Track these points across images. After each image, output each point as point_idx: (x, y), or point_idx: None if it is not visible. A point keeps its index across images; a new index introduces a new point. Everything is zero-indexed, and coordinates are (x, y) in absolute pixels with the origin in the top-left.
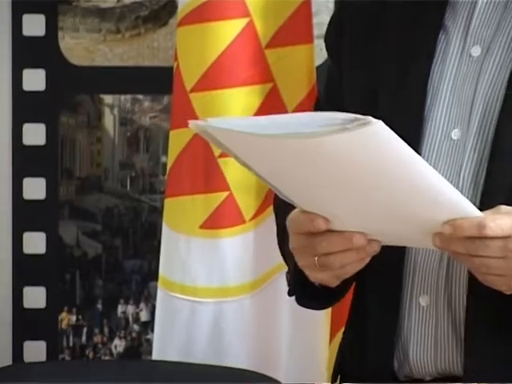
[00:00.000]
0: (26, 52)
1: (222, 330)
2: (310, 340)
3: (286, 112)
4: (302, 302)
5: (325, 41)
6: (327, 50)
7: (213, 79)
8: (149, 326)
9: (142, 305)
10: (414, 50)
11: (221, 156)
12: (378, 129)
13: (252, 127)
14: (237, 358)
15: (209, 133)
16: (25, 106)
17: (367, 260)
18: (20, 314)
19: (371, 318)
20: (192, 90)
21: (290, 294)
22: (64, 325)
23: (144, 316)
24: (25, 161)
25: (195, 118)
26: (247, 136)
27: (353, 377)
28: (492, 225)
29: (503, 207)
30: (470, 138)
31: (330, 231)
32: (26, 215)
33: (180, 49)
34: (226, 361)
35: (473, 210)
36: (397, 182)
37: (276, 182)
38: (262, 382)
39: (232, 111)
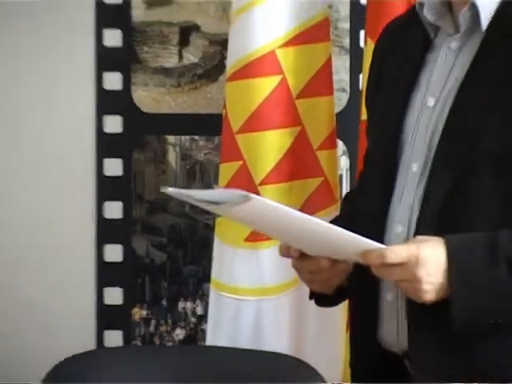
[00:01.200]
0: (106, 102)
1: (260, 322)
2: (331, 329)
3: (311, 149)
4: (318, 303)
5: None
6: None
7: (254, 123)
8: (203, 318)
9: (197, 302)
10: (394, 101)
11: (261, 184)
12: (255, 202)
13: (201, 195)
14: (272, 343)
15: (178, 197)
16: (106, 145)
17: (345, 274)
18: (101, 309)
19: (358, 310)
20: (237, 132)
21: (310, 298)
22: (136, 318)
23: (199, 310)
24: (106, 188)
25: (240, 154)
26: (201, 202)
27: (355, 352)
28: (390, 254)
29: (419, 237)
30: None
31: (309, 257)
32: (106, 231)
33: (228, 99)
34: (264, 346)
35: (372, 243)
36: (302, 231)
37: (248, 226)
38: (293, 364)
39: (269, 148)
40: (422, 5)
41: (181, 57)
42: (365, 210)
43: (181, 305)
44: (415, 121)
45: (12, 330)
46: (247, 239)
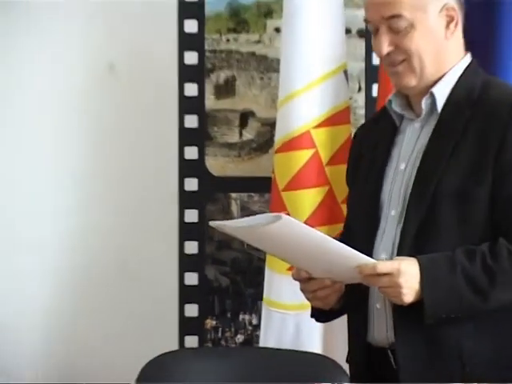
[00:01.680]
0: (186, 168)
1: (300, 330)
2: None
3: (337, 202)
4: (317, 320)
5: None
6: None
7: (294, 184)
8: (257, 327)
9: (253, 315)
10: (373, 173)
11: None
12: (286, 220)
13: (240, 223)
14: (308, 345)
15: (222, 228)
16: (186, 199)
17: (339, 293)
18: (183, 320)
19: (352, 318)
20: (282, 190)
21: (311, 316)
22: (208, 326)
23: (254, 321)
24: (186, 231)
25: (284, 206)
26: (239, 228)
27: (352, 351)
28: (380, 266)
29: (398, 257)
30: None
31: (314, 279)
32: (186, 262)
33: (275, 166)
34: (301, 347)
35: (368, 259)
36: (315, 248)
37: (271, 252)
38: (322, 361)
39: (306, 202)
40: (390, 102)
41: (241, 135)
42: (355, 246)
43: (241, 317)
44: (391, 181)
45: (114, 337)
46: (289, 269)
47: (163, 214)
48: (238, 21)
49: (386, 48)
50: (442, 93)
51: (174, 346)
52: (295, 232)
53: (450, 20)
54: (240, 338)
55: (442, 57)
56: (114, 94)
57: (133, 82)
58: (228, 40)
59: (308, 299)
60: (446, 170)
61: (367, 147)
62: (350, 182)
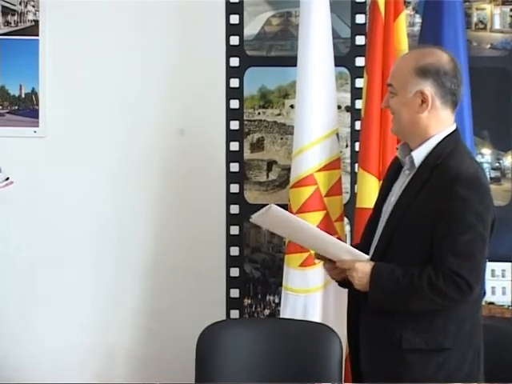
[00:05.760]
0: (231, 199)
1: (307, 307)
2: (341, 310)
3: (332, 221)
4: (340, 285)
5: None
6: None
7: (303, 209)
8: (278, 304)
9: (276, 296)
10: (381, 201)
11: None
12: (274, 208)
13: (257, 213)
14: (314, 318)
15: (257, 219)
16: (230, 219)
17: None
18: (229, 299)
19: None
20: (295, 213)
21: (338, 284)
22: (245, 304)
23: (276, 300)
24: (230, 240)
25: None
26: (257, 217)
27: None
28: (342, 262)
29: (365, 259)
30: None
31: (329, 263)
32: (231, 261)
33: (291, 197)
34: (309, 319)
35: (353, 251)
36: (302, 230)
37: (290, 238)
38: (324, 329)
39: (310, 221)
40: (398, 149)
41: (267, 176)
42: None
43: (267, 297)
44: (385, 210)
45: (185, 312)
46: (301, 265)
47: (216, 228)
48: (265, 100)
49: (382, 104)
50: (419, 155)
51: (223, 317)
52: (283, 217)
53: (423, 101)
54: (266, 311)
55: (419, 125)
56: (183, 150)
57: (193, 143)
58: (259, 113)
59: (330, 276)
60: (406, 212)
61: (387, 175)
62: (376, 204)
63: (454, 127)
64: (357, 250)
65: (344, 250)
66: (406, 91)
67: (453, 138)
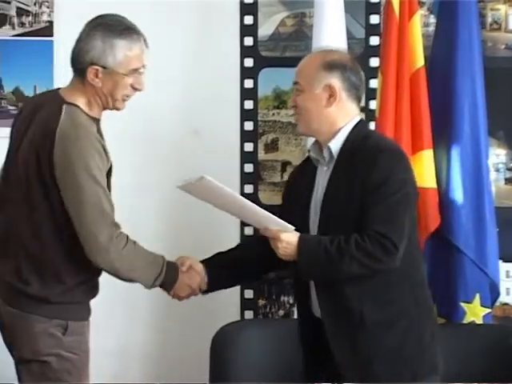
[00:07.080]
0: (247, 199)
1: None
2: None
3: None
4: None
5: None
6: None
7: None
8: (293, 305)
9: (290, 297)
10: (303, 197)
11: None
12: (206, 180)
13: (185, 181)
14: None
15: (185, 188)
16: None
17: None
18: (243, 300)
19: (298, 295)
20: None
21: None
22: (260, 305)
23: (290, 301)
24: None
25: None
26: (187, 186)
27: None
28: (269, 231)
29: (291, 230)
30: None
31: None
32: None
33: None
34: None
35: (281, 223)
36: (236, 204)
37: (219, 207)
38: None
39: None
40: (309, 151)
41: (282, 177)
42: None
43: (281, 298)
44: (314, 201)
45: (201, 311)
46: None
47: (230, 229)
48: (280, 101)
49: (289, 103)
50: (335, 145)
51: (237, 318)
52: (215, 188)
53: (331, 95)
54: (281, 312)
55: (327, 119)
56: (198, 151)
57: (208, 143)
58: (273, 114)
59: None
60: (337, 198)
61: (300, 177)
62: (286, 196)
63: (359, 118)
64: (284, 222)
65: (272, 222)
66: (313, 87)
67: (362, 126)
